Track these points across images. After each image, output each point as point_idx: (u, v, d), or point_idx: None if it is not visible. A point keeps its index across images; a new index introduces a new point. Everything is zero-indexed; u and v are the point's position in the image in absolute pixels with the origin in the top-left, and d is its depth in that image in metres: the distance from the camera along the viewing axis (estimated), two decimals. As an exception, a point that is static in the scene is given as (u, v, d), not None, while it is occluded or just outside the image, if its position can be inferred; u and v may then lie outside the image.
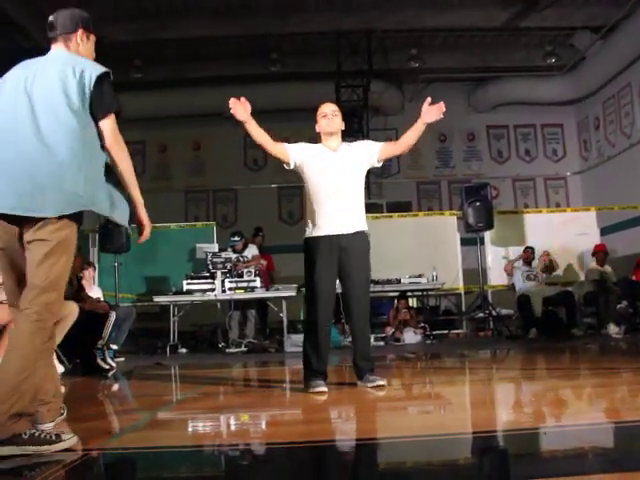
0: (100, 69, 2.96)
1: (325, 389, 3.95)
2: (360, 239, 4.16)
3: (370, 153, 4.32)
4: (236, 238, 9.16)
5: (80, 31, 3.28)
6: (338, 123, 4.38)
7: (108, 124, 2.93)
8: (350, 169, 4.25)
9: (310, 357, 4.09)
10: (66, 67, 2.92)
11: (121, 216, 2.93)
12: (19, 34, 10.67)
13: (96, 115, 2.87)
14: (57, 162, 2.64)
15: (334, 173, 4.20)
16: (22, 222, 2.61)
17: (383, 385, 3.98)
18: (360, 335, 4.15)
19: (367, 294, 4.20)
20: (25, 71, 3.05)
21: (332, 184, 4.18)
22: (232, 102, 4.40)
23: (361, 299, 4.12)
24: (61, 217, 2.61)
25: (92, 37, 3.35)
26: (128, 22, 11.47)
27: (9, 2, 9.99)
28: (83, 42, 3.27)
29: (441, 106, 4.19)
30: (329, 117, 4.36)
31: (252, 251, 9.10)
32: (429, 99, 4.27)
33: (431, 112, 4.21)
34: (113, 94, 2.99)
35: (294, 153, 4.36)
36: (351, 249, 4.10)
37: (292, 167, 4.34)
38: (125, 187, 2.98)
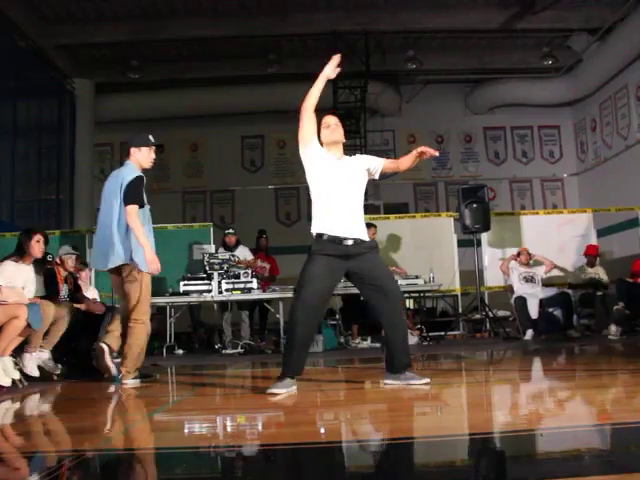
0: (131, 175, 4.93)
1: (280, 391, 3.93)
2: (368, 246, 4.21)
3: (373, 166, 4.36)
4: (231, 230, 9.38)
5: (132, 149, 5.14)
6: (341, 133, 4.43)
7: (127, 210, 4.84)
8: (353, 178, 4.28)
9: (284, 356, 4.12)
10: (120, 174, 5.00)
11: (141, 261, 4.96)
12: (15, 33, 10.66)
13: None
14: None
15: (339, 181, 4.23)
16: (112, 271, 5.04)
17: (428, 382, 4.11)
18: (403, 331, 4.22)
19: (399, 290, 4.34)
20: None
21: (336, 191, 4.21)
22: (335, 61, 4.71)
23: (399, 295, 4.21)
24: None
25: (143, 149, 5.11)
26: (126, 22, 11.48)
27: (5, 1, 9.98)
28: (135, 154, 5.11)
29: (435, 153, 4.19)
30: (333, 127, 4.40)
31: (244, 251, 9.12)
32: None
33: (427, 151, 4.19)
34: (135, 192, 4.88)
35: (314, 143, 4.37)
36: (363, 256, 4.12)
37: (304, 153, 4.36)
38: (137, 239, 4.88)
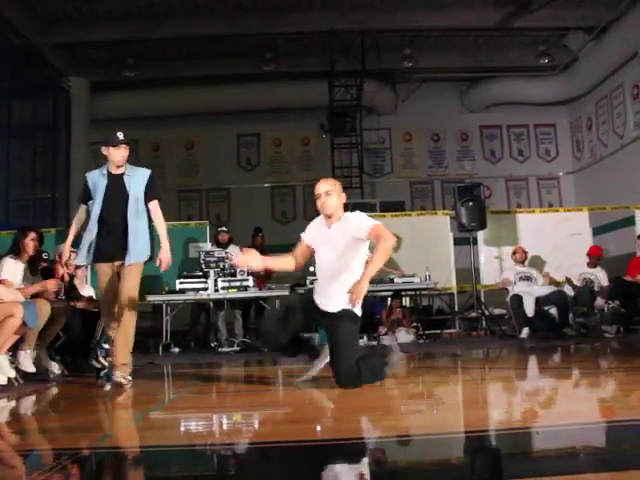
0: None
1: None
2: (339, 319, 4.11)
3: (357, 235, 4.16)
4: (224, 228, 9.39)
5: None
6: (333, 203, 4.23)
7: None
8: (333, 248, 4.21)
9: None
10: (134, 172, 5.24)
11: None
12: (11, 32, 10.63)
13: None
14: None
15: (325, 250, 4.27)
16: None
17: None
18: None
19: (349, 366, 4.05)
20: None
21: (323, 260, 4.29)
22: (237, 263, 4.66)
23: (344, 373, 4.03)
24: None
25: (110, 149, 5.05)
26: (121, 21, 11.45)
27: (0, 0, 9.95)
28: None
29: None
30: (322, 199, 4.23)
31: (234, 250, 9.12)
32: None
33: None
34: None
35: (307, 239, 4.45)
36: (332, 329, 4.13)
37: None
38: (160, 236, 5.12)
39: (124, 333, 4.85)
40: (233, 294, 8.31)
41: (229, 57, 12.94)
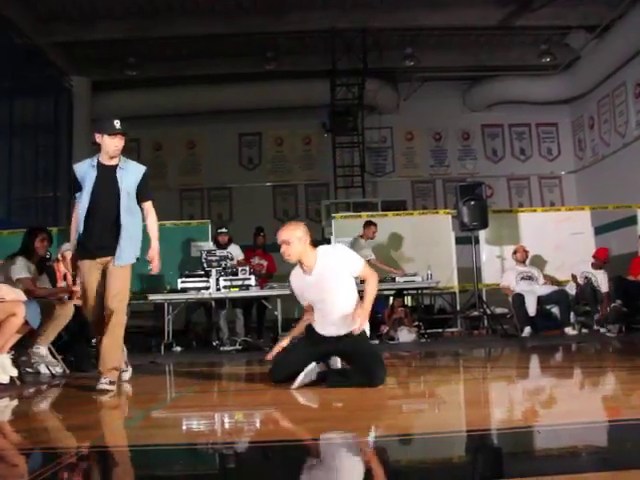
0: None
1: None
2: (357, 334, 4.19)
3: (353, 272, 4.26)
4: (224, 230, 9.32)
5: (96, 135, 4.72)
6: (293, 251, 4.18)
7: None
8: (330, 286, 4.22)
9: None
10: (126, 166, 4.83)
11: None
12: (12, 31, 10.64)
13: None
14: None
15: (316, 293, 4.26)
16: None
17: None
18: None
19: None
20: None
21: (317, 300, 4.30)
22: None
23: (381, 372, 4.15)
24: None
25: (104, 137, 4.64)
26: (123, 19, 11.46)
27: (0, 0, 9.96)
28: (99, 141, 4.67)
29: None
30: (282, 250, 4.21)
31: (235, 249, 9.12)
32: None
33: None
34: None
35: (302, 300, 4.48)
36: (352, 341, 4.19)
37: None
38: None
39: (112, 337, 4.56)
40: (235, 293, 8.32)
41: (230, 56, 12.94)
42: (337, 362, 4.36)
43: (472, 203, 9.35)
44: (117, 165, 4.72)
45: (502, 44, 13.22)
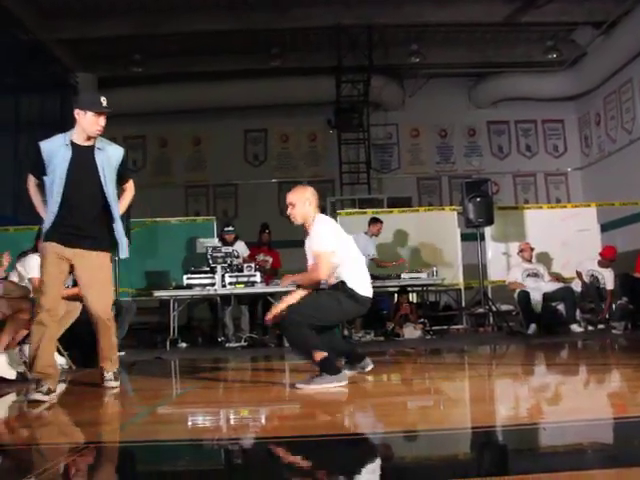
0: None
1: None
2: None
3: (309, 251, 4.41)
4: (230, 228, 9.31)
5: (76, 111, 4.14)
6: (296, 214, 4.36)
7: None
8: (307, 255, 4.43)
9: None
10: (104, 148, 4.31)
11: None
12: (17, 28, 10.65)
13: None
14: None
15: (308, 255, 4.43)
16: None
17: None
18: None
19: None
20: None
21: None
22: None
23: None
24: None
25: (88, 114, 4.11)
26: (128, 16, 11.45)
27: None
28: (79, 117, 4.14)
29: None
30: (288, 211, 4.41)
31: (241, 246, 9.14)
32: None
33: None
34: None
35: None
36: None
37: None
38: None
39: (108, 335, 4.36)
40: (240, 289, 8.33)
41: (236, 53, 12.93)
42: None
43: (478, 200, 9.33)
44: (94, 146, 4.20)
45: (508, 40, 13.17)
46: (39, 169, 4.17)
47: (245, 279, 8.31)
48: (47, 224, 4.12)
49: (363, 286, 4.26)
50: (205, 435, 2.90)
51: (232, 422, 3.29)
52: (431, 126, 14.83)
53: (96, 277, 4.19)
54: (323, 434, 2.70)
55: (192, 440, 2.76)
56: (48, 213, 4.12)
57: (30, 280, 5.63)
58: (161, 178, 14.17)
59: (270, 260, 9.53)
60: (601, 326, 8.54)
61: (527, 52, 13.40)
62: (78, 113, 4.12)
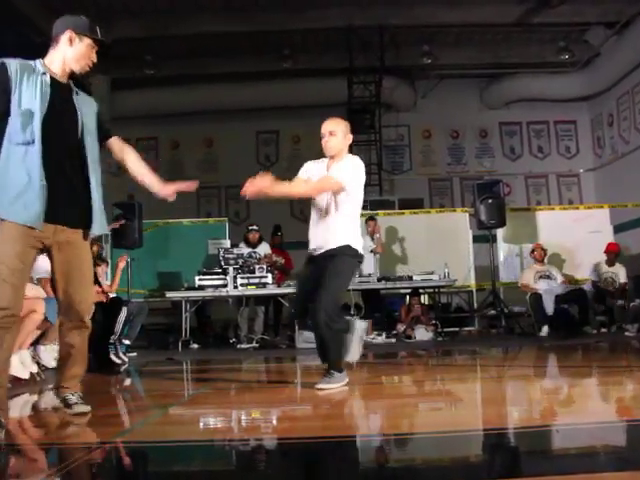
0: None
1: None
2: (336, 255, 4.09)
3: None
4: (255, 227, 9.22)
5: (69, 34, 3.27)
6: (335, 144, 4.22)
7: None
8: None
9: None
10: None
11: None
12: (30, 28, 10.71)
13: None
14: None
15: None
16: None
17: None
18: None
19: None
20: None
21: (317, 199, 4.28)
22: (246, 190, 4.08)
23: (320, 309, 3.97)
24: None
25: (84, 40, 3.31)
26: (140, 18, 11.51)
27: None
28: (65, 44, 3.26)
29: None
30: (325, 139, 4.25)
31: (265, 248, 9.13)
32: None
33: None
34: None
35: (303, 175, 4.53)
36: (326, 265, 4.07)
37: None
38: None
39: (84, 343, 3.27)
40: (252, 291, 8.35)
41: (247, 54, 12.96)
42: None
43: (490, 201, 9.31)
44: (71, 88, 3.26)
45: (520, 41, 13.12)
46: (2, 97, 2.97)
47: (257, 280, 8.32)
48: (13, 191, 2.91)
49: (360, 243, 4.17)
50: (217, 436, 2.91)
51: (244, 423, 3.29)
52: (443, 127, 14.80)
53: (85, 250, 3.26)
54: (335, 435, 2.71)
55: (204, 441, 2.77)
56: (14, 172, 2.93)
57: (39, 281, 5.66)
58: (173, 179, 14.07)
59: (282, 260, 9.53)
60: (622, 324, 8.46)
61: (539, 53, 13.35)
62: (70, 36, 3.27)
